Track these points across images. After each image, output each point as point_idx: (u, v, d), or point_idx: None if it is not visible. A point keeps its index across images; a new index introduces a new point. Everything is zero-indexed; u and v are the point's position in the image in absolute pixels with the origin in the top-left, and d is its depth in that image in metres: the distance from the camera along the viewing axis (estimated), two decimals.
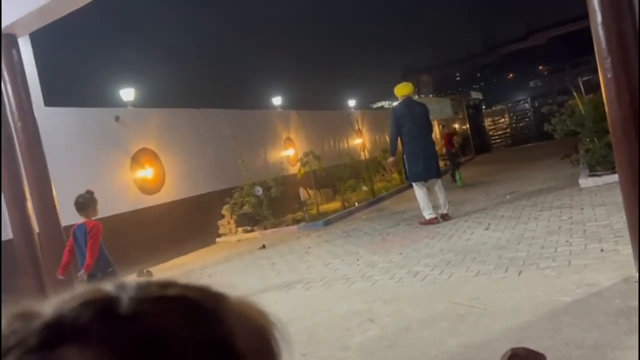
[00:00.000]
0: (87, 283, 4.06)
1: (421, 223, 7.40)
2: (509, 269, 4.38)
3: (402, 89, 7.65)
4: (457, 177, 11.94)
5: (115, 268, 4.83)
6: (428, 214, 7.35)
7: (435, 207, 7.45)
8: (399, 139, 7.59)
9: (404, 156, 7.64)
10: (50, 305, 0.31)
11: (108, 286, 0.33)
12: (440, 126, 19.26)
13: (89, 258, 4.43)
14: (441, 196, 7.50)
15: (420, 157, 7.39)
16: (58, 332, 0.29)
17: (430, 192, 7.53)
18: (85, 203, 4.61)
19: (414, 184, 7.55)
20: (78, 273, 4.47)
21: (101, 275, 4.49)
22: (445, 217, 7.38)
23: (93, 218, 4.63)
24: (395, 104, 8.54)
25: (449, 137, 13.56)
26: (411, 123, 7.41)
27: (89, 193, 4.72)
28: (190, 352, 0.30)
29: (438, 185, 7.53)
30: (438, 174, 7.60)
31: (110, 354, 0.28)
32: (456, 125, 23.99)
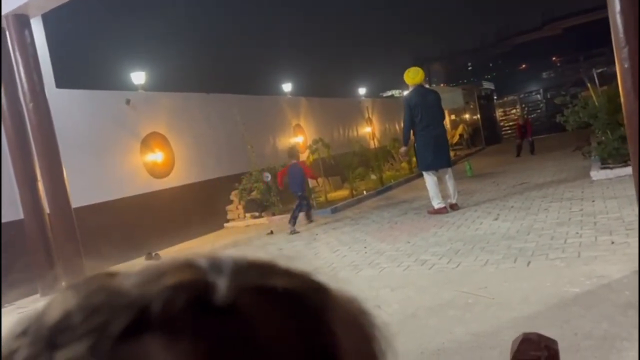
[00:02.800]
0: (299, 196, 7.35)
1: (430, 212, 7.37)
2: (518, 259, 4.36)
3: (413, 77, 7.46)
4: (467, 167, 11.89)
5: (305, 193, 8.79)
6: (437, 203, 7.31)
7: (444, 196, 7.42)
8: (411, 129, 7.52)
9: (416, 145, 7.58)
10: (133, 280, 0.28)
11: (203, 264, 0.29)
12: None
13: (312, 175, 8.99)
14: (451, 186, 7.45)
15: (432, 146, 7.33)
16: (145, 317, 0.25)
17: (440, 181, 7.49)
18: (293, 152, 9.15)
19: (424, 172, 7.51)
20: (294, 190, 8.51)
21: (300, 192, 8.50)
22: (454, 207, 7.34)
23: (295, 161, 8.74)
24: (406, 92, 8.44)
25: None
26: (424, 112, 7.31)
27: (294, 148, 9.65)
28: (290, 356, 0.27)
29: (449, 175, 7.48)
30: (449, 163, 7.55)
31: (201, 353, 0.25)
32: (467, 116, 23.83)
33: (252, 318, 0.26)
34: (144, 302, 0.26)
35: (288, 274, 0.30)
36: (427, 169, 7.41)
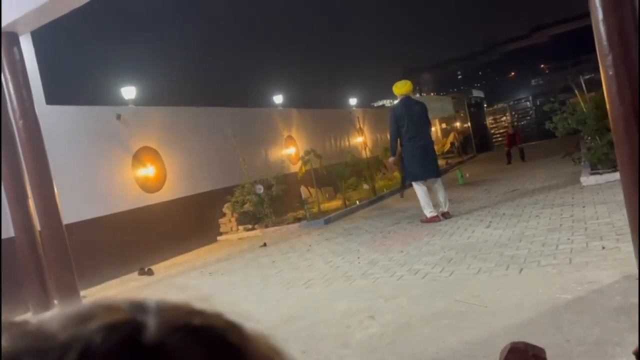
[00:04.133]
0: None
1: (422, 221, 7.39)
2: (510, 267, 4.38)
3: (401, 88, 7.61)
4: (459, 175, 11.95)
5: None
6: (429, 212, 7.35)
7: (435, 205, 7.45)
8: (398, 138, 7.60)
9: (403, 155, 7.64)
10: (57, 324, 0.28)
11: (126, 306, 0.30)
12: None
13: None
14: (441, 194, 7.49)
15: (419, 157, 7.41)
16: (78, 357, 0.26)
17: (430, 191, 7.54)
18: None
19: (413, 183, 7.56)
20: None
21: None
22: (446, 215, 7.37)
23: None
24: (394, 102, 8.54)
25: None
26: (410, 122, 7.41)
27: None
28: None
29: (438, 184, 7.53)
30: (437, 173, 7.63)
31: None
32: (457, 124, 23.97)
33: (181, 355, 0.27)
34: (77, 343, 0.26)
35: (205, 313, 0.31)
36: (415, 180, 7.48)
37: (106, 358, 0.26)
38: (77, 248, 6.59)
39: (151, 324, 0.28)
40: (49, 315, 0.29)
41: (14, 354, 0.26)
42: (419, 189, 7.45)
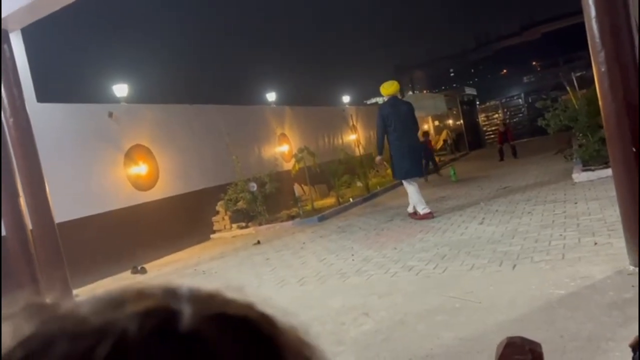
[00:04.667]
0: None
1: (412, 216, 7.52)
2: (503, 263, 4.40)
3: (388, 88, 7.72)
4: (452, 172, 11.99)
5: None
6: (422, 209, 7.38)
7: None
8: (385, 137, 7.70)
9: (391, 154, 7.72)
10: (89, 308, 0.28)
11: (159, 292, 0.30)
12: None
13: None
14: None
15: (407, 155, 7.48)
16: (115, 343, 0.25)
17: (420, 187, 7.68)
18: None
19: (404, 181, 7.63)
20: None
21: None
22: (412, 216, 7.55)
23: None
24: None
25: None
26: (397, 122, 7.52)
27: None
28: None
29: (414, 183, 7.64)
30: (420, 173, 7.77)
31: None
32: (450, 121, 24.03)
33: (215, 345, 0.27)
34: (112, 329, 0.26)
35: (240, 303, 0.31)
36: (405, 177, 7.55)
37: (142, 345, 0.26)
38: (70, 247, 6.55)
39: (186, 312, 0.28)
40: (80, 300, 0.29)
41: (47, 338, 0.26)
42: (410, 186, 7.51)
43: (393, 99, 7.74)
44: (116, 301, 0.28)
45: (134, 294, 0.29)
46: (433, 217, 7.28)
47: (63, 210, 7.15)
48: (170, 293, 0.30)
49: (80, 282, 7.08)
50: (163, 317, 0.27)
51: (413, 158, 7.53)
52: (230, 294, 0.32)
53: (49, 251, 6.05)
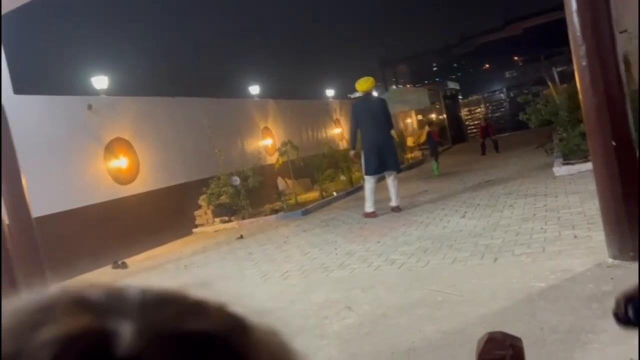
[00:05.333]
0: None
1: (363, 215, 7.67)
2: (485, 256, 4.42)
3: (363, 85, 7.80)
4: (434, 166, 12.05)
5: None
6: (368, 207, 7.59)
7: (386, 199, 7.78)
8: (358, 133, 7.77)
9: (362, 150, 7.74)
10: (9, 326, 0.22)
11: (99, 301, 0.24)
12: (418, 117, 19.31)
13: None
14: (393, 188, 7.68)
15: (377, 152, 7.50)
16: None
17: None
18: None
19: (366, 176, 7.70)
20: None
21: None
22: (395, 210, 7.58)
23: None
24: (374, 94, 8.64)
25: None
26: (369, 118, 7.57)
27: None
28: None
29: (393, 177, 7.68)
30: (396, 166, 7.76)
31: None
32: (433, 115, 24.14)
33: None
34: (19, 357, 0.20)
35: (203, 311, 0.26)
36: (372, 174, 7.61)
37: None
38: (48, 242, 6.43)
39: (126, 331, 0.22)
40: (5, 310, 0.23)
41: None
42: (368, 184, 7.62)
43: (367, 95, 7.91)
44: (37, 319, 0.22)
45: (66, 305, 0.23)
46: (376, 216, 7.44)
47: (41, 205, 7.02)
48: (114, 301, 0.24)
49: (59, 278, 6.97)
50: (90, 342, 0.21)
51: (383, 155, 7.54)
52: (203, 292, 0.27)
53: (26, 247, 5.94)
